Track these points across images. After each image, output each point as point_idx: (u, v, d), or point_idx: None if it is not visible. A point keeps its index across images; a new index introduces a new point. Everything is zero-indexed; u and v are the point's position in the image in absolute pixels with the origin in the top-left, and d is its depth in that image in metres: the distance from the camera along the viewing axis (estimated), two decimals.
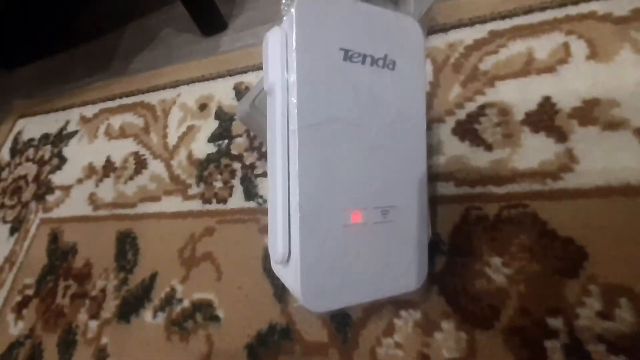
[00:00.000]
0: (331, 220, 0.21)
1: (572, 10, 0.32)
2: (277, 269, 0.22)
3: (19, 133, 0.64)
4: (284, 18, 0.21)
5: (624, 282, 0.22)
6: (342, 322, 0.27)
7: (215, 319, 0.31)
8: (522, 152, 0.28)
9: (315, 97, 0.20)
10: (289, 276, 0.20)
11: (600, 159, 0.26)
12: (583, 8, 0.31)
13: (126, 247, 0.39)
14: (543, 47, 0.31)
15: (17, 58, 0.83)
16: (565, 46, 0.30)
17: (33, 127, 0.63)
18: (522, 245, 0.25)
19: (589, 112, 0.27)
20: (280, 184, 0.20)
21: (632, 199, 0.24)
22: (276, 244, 0.20)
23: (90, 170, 0.49)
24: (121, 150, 0.48)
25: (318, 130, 0.20)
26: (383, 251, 0.22)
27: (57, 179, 0.52)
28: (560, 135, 0.27)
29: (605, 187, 0.25)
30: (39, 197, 0.52)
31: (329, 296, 0.20)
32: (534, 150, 0.28)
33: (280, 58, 0.20)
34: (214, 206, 0.37)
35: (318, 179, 0.20)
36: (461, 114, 0.31)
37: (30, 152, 0.59)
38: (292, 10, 0.20)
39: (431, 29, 0.36)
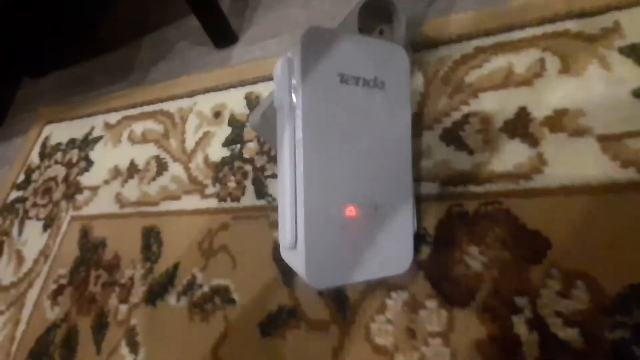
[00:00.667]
0: (331, 213, 0.25)
1: (548, 28, 0.35)
2: (286, 254, 0.26)
3: (47, 138, 0.69)
4: (292, 48, 0.26)
5: (581, 267, 0.26)
6: (341, 303, 0.31)
7: (232, 301, 0.36)
8: (500, 155, 0.32)
9: (317, 114, 0.25)
10: (296, 259, 0.25)
11: (567, 161, 0.29)
12: (559, 26, 0.35)
13: (151, 240, 0.44)
14: (522, 62, 0.35)
15: (42, 67, 0.89)
16: (541, 61, 0.34)
17: (60, 132, 0.68)
18: (496, 236, 0.29)
19: (559, 120, 0.31)
20: (289, 184, 0.25)
21: (592, 197, 0.27)
22: (285, 233, 0.25)
23: (116, 172, 0.54)
24: (143, 154, 0.53)
25: (319, 141, 0.25)
26: (374, 240, 0.26)
27: (85, 180, 0.57)
28: (533, 141, 0.31)
29: (569, 186, 0.28)
30: (69, 197, 0.57)
31: (329, 275, 0.25)
32: (510, 154, 0.31)
33: (288, 81, 0.25)
34: (228, 204, 0.42)
35: (320, 180, 0.25)
36: (447, 122, 0.35)
37: (59, 155, 0.64)
38: (299, 41, 0.25)
39: (423, 44, 0.40)
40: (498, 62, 0.36)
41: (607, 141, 0.29)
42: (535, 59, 0.35)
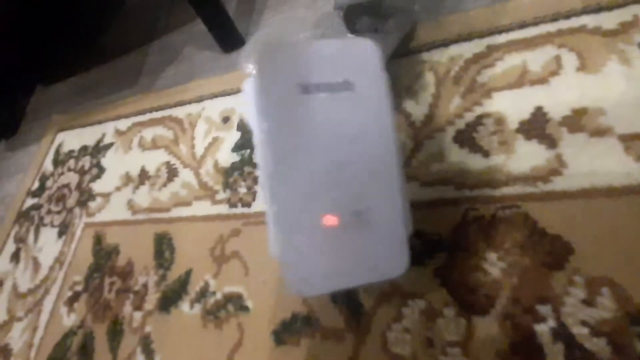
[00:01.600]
0: (308, 225, 0.25)
1: (563, 24, 0.34)
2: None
3: (60, 145, 0.70)
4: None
5: (606, 273, 0.25)
6: (355, 310, 0.31)
7: (245, 308, 0.36)
8: (516, 157, 0.31)
9: (281, 131, 0.25)
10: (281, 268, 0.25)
11: (587, 163, 0.28)
12: (574, 22, 0.34)
13: (163, 247, 0.44)
14: (537, 60, 0.34)
15: (53, 75, 0.91)
16: (557, 59, 0.33)
17: (72, 139, 0.69)
18: (515, 242, 0.28)
19: (578, 120, 0.30)
20: (268, 199, 0.25)
21: (615, 199, 0.26)
22: (270, 246, 0.25)
23: (127, 178, 0.55)
24: (154, 160, 0.53)
25: (287, 157, 0.25)
26: (361, 245, 0.25)
27: (98, 186, 0.58)
28: (551, 142, 0.30)
29: (591, 189, 0.27)
30: (82, 203, 0.58)
31: (314, 283, 0.25)
32: (527, 156, 0.31)
33: (253, 102, 0.25)
34: (239, 210, 0.42)
35: (294, 194, 0.25)
36: (461, 124, 0.34)
37: (71, 162, 0.65)
38: (255, 62, 0.25)
39: (433, 44, 0.39)
40: (512, 61, 0.35)
41: (630, 141, 0.28)
42: (551, 56, 0.34)
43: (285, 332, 0.33)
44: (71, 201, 0.60)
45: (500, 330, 0.26)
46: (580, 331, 0.24)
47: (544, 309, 0.25)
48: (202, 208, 0.44)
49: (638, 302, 0.23)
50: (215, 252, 0.40)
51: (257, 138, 0.26)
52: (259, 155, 0.26)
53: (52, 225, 0.59)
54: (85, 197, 0.58)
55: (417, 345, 0.28)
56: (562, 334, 0.24)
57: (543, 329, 0.25)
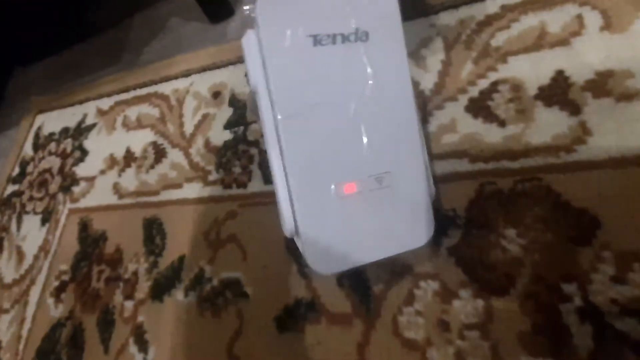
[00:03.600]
0: (325, 194, 0.23)
1: None
2: (295, 240, 0.24)
3: (39, 128, 0.66)
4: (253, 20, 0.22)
5: (637, 247, 0.23)
6: (364, 294, 0.29)
7: (244, 295, 0.33)
8: (536, 126, 0.28)
9: (291, 88, 0.22)
10: (301, 246, 0.22)
11: (614, 130, 0.26)
12: None
13: (153, 232, 0.42)
14: (556, 20, 0.31)
15: (30, 54, 0.85)
16: (579, 18, 0.30)
17: (52, 121, 0.65)
18: (536, 216, 0.26)
19: (603, 84, 0.28)
20: (277, 170, 0.23)
21: None
22: (284, 222, 0.22)
23: (112, 161, 0.51)
24: (140, 140, 0.50)
25: (299, 117, 0.22)
26: (384, 214, 0.23)
27: (81, 170, 0.54)
28: (574, 109, 0.28)
29: (619, 157, 0.25)
30: (66, 189, 0.54)
31: (335, 260, 0.23)
32: (547, 125, 0.28)
33: (257, 58, 0.22)
34: (234, 191, 0.39)
35: (307, 161, 0.23)
36: (474, 92, 0.32)
37: (52, 146, 0.61)
38: (256, 11, 0.21)
39: (441, 6, 0.36)
40: (528, 22, 0.32)
41: None
42: (572, 15, 0.31)
43: (289, 318, 0.31)
44: (54, 187, 0.56)
45: (521, 311, 0.24)
46: (610, 310, 0.22)
47: (570, 288, 0.23)
48: (194, 190, 0.41)
49: None
50: (210, 236, 0.38)
51: (263, 101, 0.23)
52: (265, 120, 0.23)
53: (35, 213, 0.56)
54: (69, 182, 0.55)
55: (431, 329, 0.26)
56: (590, 313, 0.22)
57: (569, 309, 0.23)
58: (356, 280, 0.29)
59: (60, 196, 0.54)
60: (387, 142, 0.24)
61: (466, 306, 0.25)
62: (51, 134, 0.63)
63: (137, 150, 0.49)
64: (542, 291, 0.24)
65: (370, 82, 0.23)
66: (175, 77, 0.51)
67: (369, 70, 0.23)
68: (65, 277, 0.46)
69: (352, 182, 0.23)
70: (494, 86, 0.31)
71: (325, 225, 0.22)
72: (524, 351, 0.23)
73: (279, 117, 0.22)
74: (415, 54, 0.35)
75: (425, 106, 0.33)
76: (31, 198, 0.59)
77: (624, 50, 0.28)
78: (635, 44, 0.28)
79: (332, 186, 0.23)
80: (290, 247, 0.33)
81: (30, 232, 0.54)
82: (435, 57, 0.34)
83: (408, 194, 0.24)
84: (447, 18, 0.35)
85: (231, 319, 0.33)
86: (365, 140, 0.23)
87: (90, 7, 0.79)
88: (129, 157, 0.49)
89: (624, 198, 0.24)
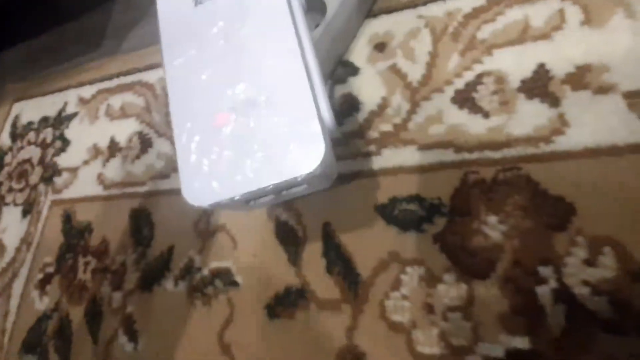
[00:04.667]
0: (202, 126, 0.25)
1: None
2: None
3: (17, 117, 0.63)
4: None
5: (608, 232, 0.24)
6: (352, 281, 0.30)
7: (234, 284, 0.34)
8: (517, 118, 0.29)
9: (174, 39, 0.28)
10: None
11: (590, 122, 0.27)
12: None
13: (141, 223, 0.41)
14: (539, 13, 0.32)
15: (4, 40, 0.81)
16: (561, 12, 0.31)
17: (30, 110, 0.62)
18: (516, 204, 0.27)
19: (581, 77, 0.29)
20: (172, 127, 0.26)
21: (618, 158, 0.26)
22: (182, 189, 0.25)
23: (96, 151, 0.50)
24: (124, 130, 0.49)
25: (181, 62, 0.27)
26: (265, 141, 0.24)
27: (63, 161, 0.53)
28: (554, 101, 0.29)
29: (594, 148, 0.27)
30: (47, 180, 0.53)
31: (214, 191, 0.23)
32: (529, 116, 0.29)
33: None
34: None
35: (185, 98, 0.26)
36: (459, 83, 0.32)
37: (32, 135, 0.59)
38: None
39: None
40: (513, 15, 0.33)
41: (635, 98, 0.27)
42: (554, 9, 0.32)
43: (279, 305, 0.31)
44: (34, 177, 0.55)
45: (501, 294, 0.25)
46: (581, 291, 0.24)
47: (546, 271, 0.25)
48: None
49: (639, 259, 0.23)
50: (199, 226, 0.38)
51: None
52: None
53: (15, 204, 0.54)
54: (50, 172, 0.53)
55: (417, 312, 0.27)
56: (563, 294, 0.24)
57: (544, 291, 0.24)
58: (345, 268, 0.30)
59: (41, 187, 0.53)
60: (264, 73, 0.25)
61: (450, 290, 0.27)
62: (30, 123, 0.61)
63: (121, 140, 0.48)
64: (520, 275, 0.25)
65: (247, 22, 0.27)
66: (160, 65, 0.50)
67: (247, 12, 0.27)
68: (50, 269, 0.45)
69: (227, 113, 0.25)
70: (479, 78, 0.32)
71: (203, 158, 0.24)
72: (503, 330, 0.25)
73: (164, 61, 0.27)
74: (404, 46, 0.36)
75: (413, 97, 0.34)
76: (10, 189, 0.57)
77: (602, 45, 0.29)
78: (612, 39, 0.29)
79: (209, 117, 0.25)
80: (280, 236, 0.33)
81: (11, 224, 0.53)
82: (423, 49, 0.35)
83: (290, 122, 0.24)
84: (435, 10, 0.36)
85: (222, 307, 0.33)
86: (244, 71, 0.26)
87: None
88: (114, 147, 0.48)
89: (597, 186, 0.25)
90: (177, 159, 0.26)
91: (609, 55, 0.29)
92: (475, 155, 0.30)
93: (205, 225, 0.38)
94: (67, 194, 0.50)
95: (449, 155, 0.30)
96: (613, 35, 0.29)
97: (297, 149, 0.23)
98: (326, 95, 0.25)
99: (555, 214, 0.26)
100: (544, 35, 0.31)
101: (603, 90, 0.28)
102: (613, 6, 0.30)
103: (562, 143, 0.27)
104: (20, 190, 0.55)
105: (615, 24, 0.29)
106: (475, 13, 0.34)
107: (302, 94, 0.24)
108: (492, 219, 0.27)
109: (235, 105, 0.25)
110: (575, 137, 0.27)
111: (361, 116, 0.35)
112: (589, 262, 0.24)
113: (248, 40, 0.26)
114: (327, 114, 0.25)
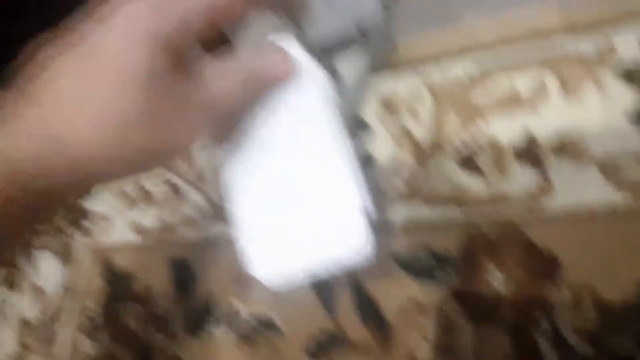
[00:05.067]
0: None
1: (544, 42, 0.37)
2: None
3: None
4: None
5: (589, 282, 0.30)
6: (380, 323, 0.35)
7: (276, 329, 0.39)
8: (511, 180, 0.35)
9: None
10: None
11: (572, 187, 0.33)
12: (554, 42, 0.37)
13: (181, 271, 0.46)
14: (525, 82, 0.37)
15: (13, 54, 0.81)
16: (542, 82, 0.36)
17: None
18: (512, 257, 0.33)
19: (562, 145, 0.34)
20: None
21: (595, 222, 0.32)
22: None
23: (125, 195, 0.53)
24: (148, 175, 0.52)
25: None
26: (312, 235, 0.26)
27: (89, 203, 0.56)
28: (541, 166, 0.34)
29: (575, 212, 0.32)
30: (75, 223, 0.56)
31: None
32: (520, 179, 0.35)
33: None
34: None
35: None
36: (460, 144, 0.38)
37: None
38: None
39: (427, 59, 0.41)
40: (504, 83, 0.38)
41: (607, 167, 0.32)
42: (536, 79, 0.37)
43: (317, 347, 0.37)
44: (61, 220, 0.58)
45: (505, 336, 0.31)
46: (570, 334, 0.30)
47: (539, 314, 0.31)
48: (217, 228, 0.46)
49: (611, 301, 0.29)
50: (236, 271, 0.42)
51: None
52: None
53: (46, 248, 0.57)
54: (77, 215, 0.56)
55: (434, 352, 0.33)
56: (556, 338, 0.30)
57: (541, 334, 0.30)
58: (372, 314, 0.36)
59: (70, 230, 0.56)
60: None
61: (462, 332, 0.33)
62: None
63: (147, 185, 0.52)
64: (520, 317, 0.31)
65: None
66: None
67: None
68: (94, 315, 0.50)
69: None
70: (477, 141, 0.37)
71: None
72: None
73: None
74: (409, 107, 0.41)
75: (419, 156, 0.39)
76: (35, 231, 0.60)
77: (578, 115, 0.35)
78: (586, 109, 0.34)
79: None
80: (315, 284, 0.39)
81: (46, 269, 0.56)
82: (426, 111, 0.40)
83: (337, 213, 0.25)
84: (437, 73, 0.41)
85: (267, 352, 0.39)
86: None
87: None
88: (143, 193, 0.52)
89: (578, 243, 0.31)
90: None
91: (584, 125, 0.34)
92: (477, 212, 0.35)
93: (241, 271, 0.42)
94: (101, 239, 0.53)
95: (453, 212, 0.36)
96: (586, 106, 0.34)
97: (344, 241, 0.25)
98: (363, 186, 0.26)
99: (545, 266, 0.32)
100: (531, 104, 0.36)
101: (581, 158, 0.33)
102: (585, 74, 0.35)
103: (548, 204, 0.33)
104: (46, 232, 0.58)
105: (586, 92, 0.34)
106: (472, 80, 0.39)
107: (345, 186, 0.25)
108: (493, 269, 0.33)
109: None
110: (559, 200, 0.33)
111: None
112: (574, 306, 0.30)
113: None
114: (367, 202, 0.26)
